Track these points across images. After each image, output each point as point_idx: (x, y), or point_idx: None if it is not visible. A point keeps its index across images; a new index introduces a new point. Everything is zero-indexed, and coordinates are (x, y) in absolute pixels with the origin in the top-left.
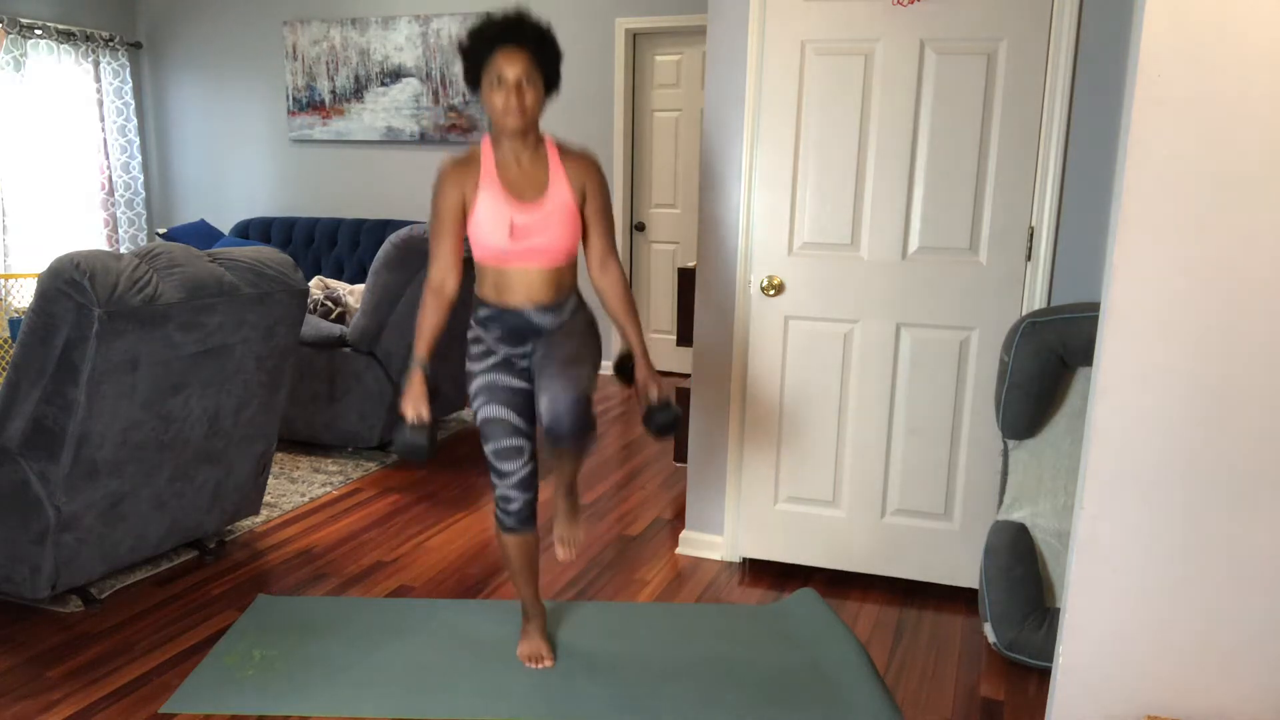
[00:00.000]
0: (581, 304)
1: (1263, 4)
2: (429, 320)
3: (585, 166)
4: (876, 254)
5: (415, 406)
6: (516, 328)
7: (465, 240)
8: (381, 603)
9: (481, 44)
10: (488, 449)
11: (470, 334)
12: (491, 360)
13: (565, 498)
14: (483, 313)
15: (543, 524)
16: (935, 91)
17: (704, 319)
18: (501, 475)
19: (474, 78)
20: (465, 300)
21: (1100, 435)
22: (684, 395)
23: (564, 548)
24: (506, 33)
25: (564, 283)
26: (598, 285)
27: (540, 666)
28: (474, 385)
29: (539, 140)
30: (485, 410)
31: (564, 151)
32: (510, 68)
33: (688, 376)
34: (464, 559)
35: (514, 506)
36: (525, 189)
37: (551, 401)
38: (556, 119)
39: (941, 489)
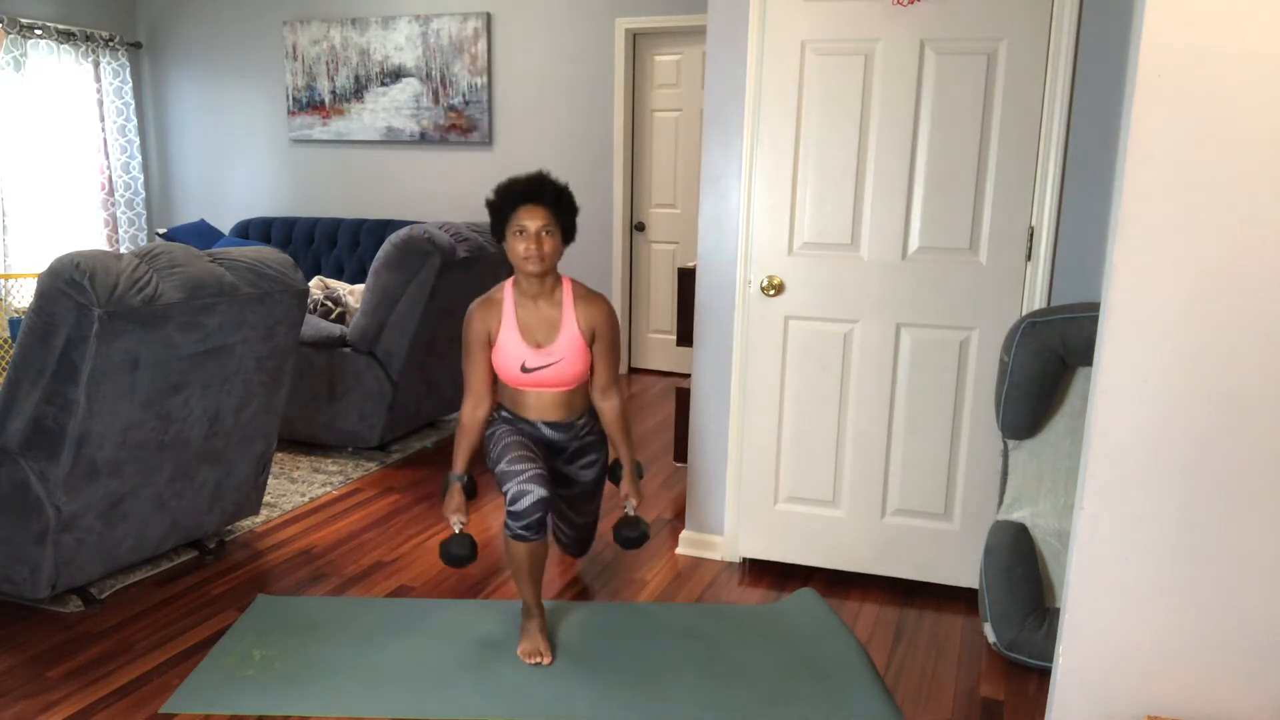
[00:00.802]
0: (593, 418)
1: (1263, 4)
2: (465, 443)
3: (596, 311)
4: (876, 254)
5: (456, 516)
6: (532, 436)
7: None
8: (381, 603)
9: (507, 201)
10: (500, 467)
11: (493, 414)
12: (512, 424)
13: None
14: (504, 414)
15: None
16: (935, 92)
17: (704, 319)
18: (513, 475)
19: (500, 230)
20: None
21: (1100, 435)
22: (684, 395)
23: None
24: (529, 191)
25: (575, 403)
26: (599, 408)
27: (539, 663)
28: (493, 436)
29: (556, 282)
30: (503, 440)
31: (579, 295)
32: (531, 220)
33: (688, 376)
34: None
35: (526, 502)
36: (539, 332)
37: (572, 531)
38: (558, 120)
39: (941, 489)
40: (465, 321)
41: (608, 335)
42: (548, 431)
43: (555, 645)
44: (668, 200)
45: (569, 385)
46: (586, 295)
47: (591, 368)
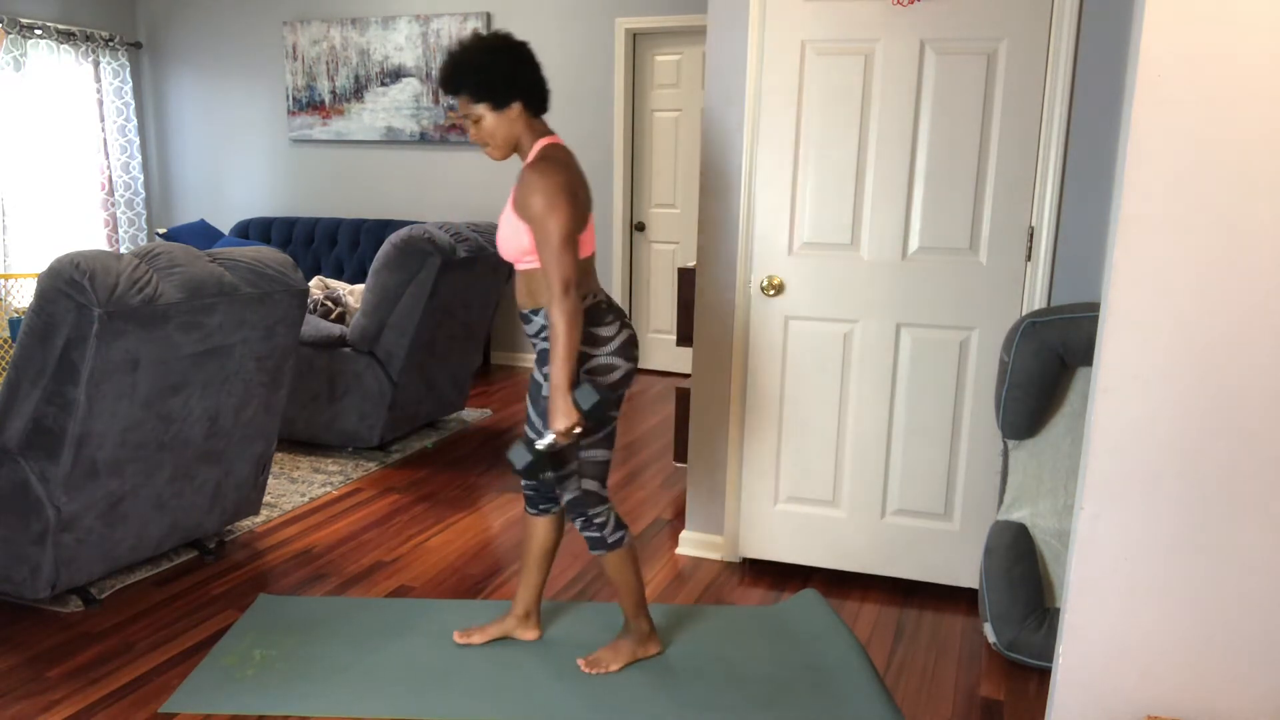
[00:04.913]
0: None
1: (1263, 4)
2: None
3: (521, 176)
4: (876, 254)
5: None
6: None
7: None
8: (381, 603)
9: None
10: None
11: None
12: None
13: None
14: None
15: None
16: (935, 91)
17: (704, 319)
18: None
19: None
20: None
21: (1100, 435)
22: (684, 395)
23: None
24: (441, 82)
25: (531, 289)
26: None
27: (465, 642)
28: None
29: (531, 148)
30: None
31: (529, 161)
32: (461, 111)
33: (688, 376)
34: (464, 559)
35: (528, 492)
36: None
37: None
38: (558, 120)
39: (941, 489)
40: None
41: (525, 204)
42: (522, 323)
43: (549, 642)
44: (668, 200)
45: (509, 258)
46: (530, 162)
47: None
